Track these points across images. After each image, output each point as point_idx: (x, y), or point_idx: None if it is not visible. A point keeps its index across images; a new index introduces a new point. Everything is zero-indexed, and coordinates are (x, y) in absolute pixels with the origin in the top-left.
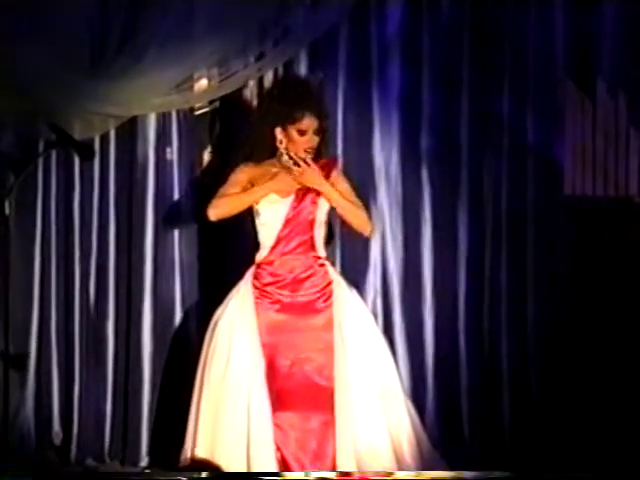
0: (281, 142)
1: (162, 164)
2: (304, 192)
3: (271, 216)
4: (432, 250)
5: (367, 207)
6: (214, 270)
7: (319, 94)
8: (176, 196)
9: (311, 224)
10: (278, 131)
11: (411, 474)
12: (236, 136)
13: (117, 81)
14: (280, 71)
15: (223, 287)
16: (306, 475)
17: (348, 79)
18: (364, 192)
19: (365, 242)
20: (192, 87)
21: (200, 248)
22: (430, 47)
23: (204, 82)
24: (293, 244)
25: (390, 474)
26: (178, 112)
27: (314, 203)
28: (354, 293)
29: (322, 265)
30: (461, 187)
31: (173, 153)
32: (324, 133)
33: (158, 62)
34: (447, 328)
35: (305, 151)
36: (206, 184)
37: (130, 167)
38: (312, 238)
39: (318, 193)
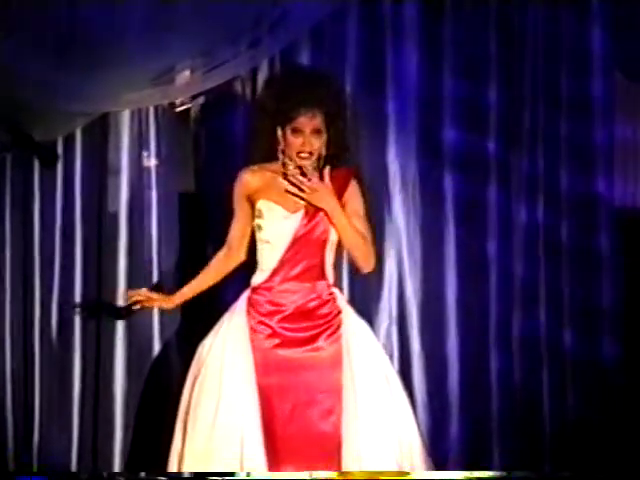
0: (279, 144)
1: (137, 170)
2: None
3: (276, 233)
4: (456, 269)
5: (381, 220)
6: (200, 293)
7: (325, 86)
8: (154, 208)
9: (322, 245)
10: (279, 132)
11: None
12: (224, 137)
13: (84, 73)
14: (278, 60)
15: (211, 314)
16: (310, 475)
17: (357, 70)
18: (376, 202)
19: (378, 260)
20: (173, 79)
21: (183, 266)
22: (452, 35)
23: (186, 73)
24: (299, 268)
25: (405, 474)
26: (156, 109)
27: (328, 220)
28: (364, 325)
29: (330, 294)
30: (489, 195)
31: (151, 157)
32: (336, 134)
33: (132, 51)
34: (474, 360)
35: (299, 156)
36: (191, 194)
37: (99, 174)
38: (322, 262)
39: None
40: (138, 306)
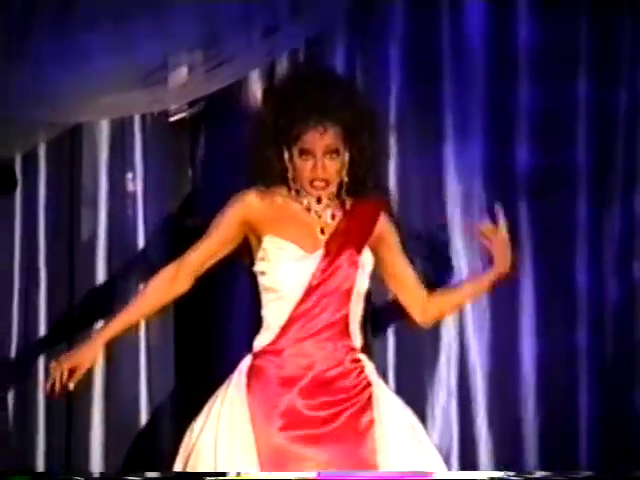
0: (287, 170)
1: (119, 197)
2: (340, 245)
3: (287, 279)
4: (535, 326)
5: (437, 263)
6: (191, 356)
7: (341, 92)
8: (140, 245)
9: (346, 296)
10: (285, 155)
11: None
12: (230, 155)
13: (49, 72)
14: (302, 55)
15: (203, 384)
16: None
17: (404, 70)
18: (428, 238)
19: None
20: (164, 79)
21: (173, 322)
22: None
23: (183, 72)
24: (317, 325)
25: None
26: (144, 118)
27: (353, 264)
28: (403, 405)
29: (357, 360)
30: (579, 222)
31: (136, 180)
32: (360, 154)
33: (112, 42)
34: (559, 446)
35: (312, 185)
36: (186, 226)
37: (70, 202)
38: (346, 317)
39: (359, 248)
40: (70, 384)
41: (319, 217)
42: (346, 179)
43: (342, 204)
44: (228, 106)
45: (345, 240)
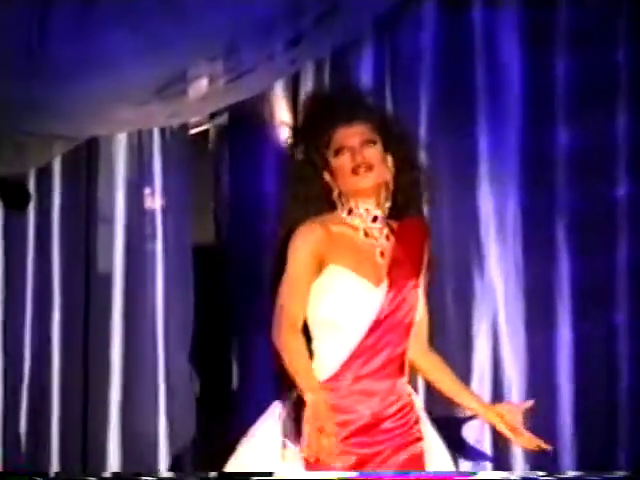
0: (330, 186)
1: (137, 215)
2: (402, 274)
3: (352, 313)
4: (574, 354)
5: (467, 282)
6: (221, 394)
7: (365, 102)
8: (160, 267)
9: (407, 329)
10: (326, 176)
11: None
12: (255, 170)
13: (65, 84)
14: (328, 64)
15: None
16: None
17: (436, 74)
18: (461, 259)
19: (463, 330)
20: (184, 92)
21: (198, 346)
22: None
23: (203, 83)
24: (379, 361)
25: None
26: (162, 131)
27: (415, 296)
28: (442, 444)
29: (409, 395)
30: (618, 254)
31: (155, 197)
32: (402, 164)
33: (129, 53)
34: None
35: (355, 173)
36: (209, 247)
37: (86, 221)
38: (404, 353)
39: (418, 276)
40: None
41: (375, 239)
42: (392, 186)
43: (387, 225)
44: (251, 119)
45: (405, 268)
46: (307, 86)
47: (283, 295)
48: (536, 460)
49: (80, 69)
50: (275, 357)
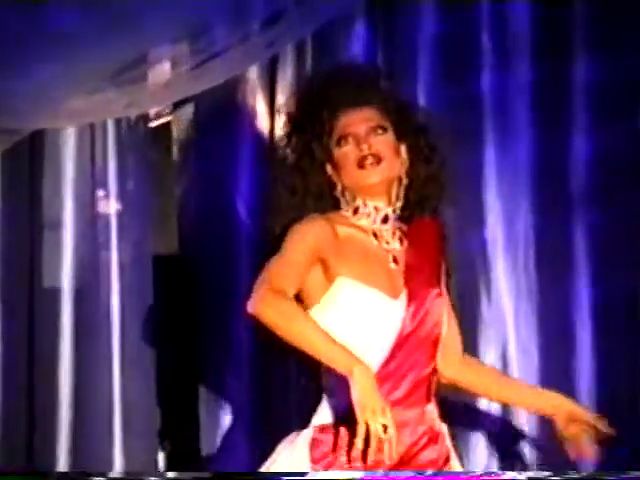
0: (332, 180)
1: (88, 221)
2: (421, 283)
3: (370, 333)
4: (594, 356)
5: (474, 299)
6: (184, 426)
7: (377, 83)
8: (115, 280)
9: (435, 346)
10: (328, 168)
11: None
12: (224, 168)
13: (3, 66)
14: (310, 46)
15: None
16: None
17: (433, 63)
18: (466, 272)
19: (471, 336)
20: (144, 77)
21: (159, 382)
22: None
23: (165, 68)
24: (405, 387)
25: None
26: (118, 124)
27: (440, 305)
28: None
29: (439, 425)
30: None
31: (109, 200)
32: (417, 155)
33: (81, 32)
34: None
35: (361, 166)
36: (171, 256)
37: (29, 227)
38: (433, 373)
39: (439, 282)
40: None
41: (387, 243)
42: (405, 181)
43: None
44: (221, 109)
45: (424, 276)
46: (286, 72)
47: (269, 266)
48: (544, 460)
49: (24, 49)
50: (249, 391)
